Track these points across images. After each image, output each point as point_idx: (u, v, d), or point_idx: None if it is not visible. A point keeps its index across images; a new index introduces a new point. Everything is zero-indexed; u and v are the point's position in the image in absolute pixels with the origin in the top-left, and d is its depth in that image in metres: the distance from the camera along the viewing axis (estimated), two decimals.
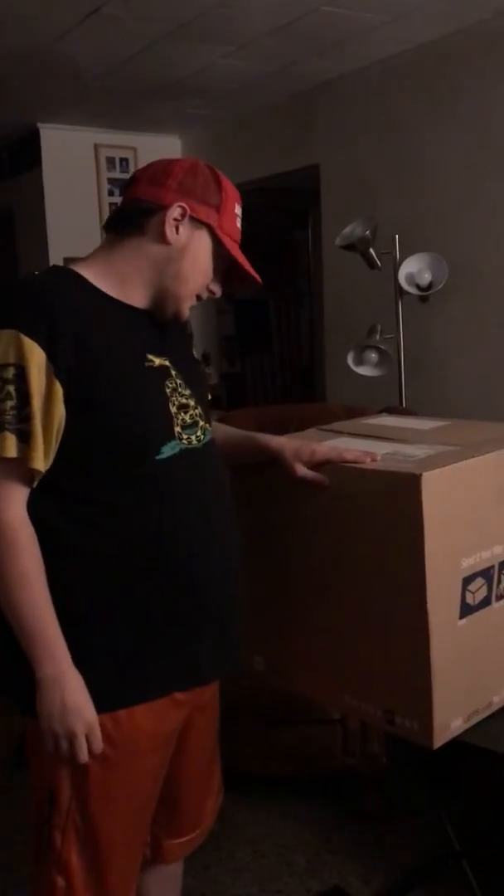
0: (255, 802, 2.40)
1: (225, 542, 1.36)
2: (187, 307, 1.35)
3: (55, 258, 4.41)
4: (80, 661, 1.23)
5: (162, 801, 1.43)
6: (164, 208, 1.28)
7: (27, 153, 4.53)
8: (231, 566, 1.37)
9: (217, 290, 1.38)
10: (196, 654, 1.34)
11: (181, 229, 1.28)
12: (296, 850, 2.24)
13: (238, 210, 1.35)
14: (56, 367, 1.17)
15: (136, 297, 1.31)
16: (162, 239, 1.28)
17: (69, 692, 1.21)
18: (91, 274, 1.30)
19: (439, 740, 1.30)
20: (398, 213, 3.44)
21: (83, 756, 1.23)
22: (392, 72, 3.48)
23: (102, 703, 1.25)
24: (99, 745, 1.24)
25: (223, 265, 1.35)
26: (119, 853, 1.32)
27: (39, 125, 4.37)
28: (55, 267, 1.36)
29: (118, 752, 1.27)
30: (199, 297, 1.36)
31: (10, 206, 4.88)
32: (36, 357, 1.17)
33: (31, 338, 1.17)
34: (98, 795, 1.28)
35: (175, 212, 1.28)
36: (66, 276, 1.30)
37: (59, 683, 1.20)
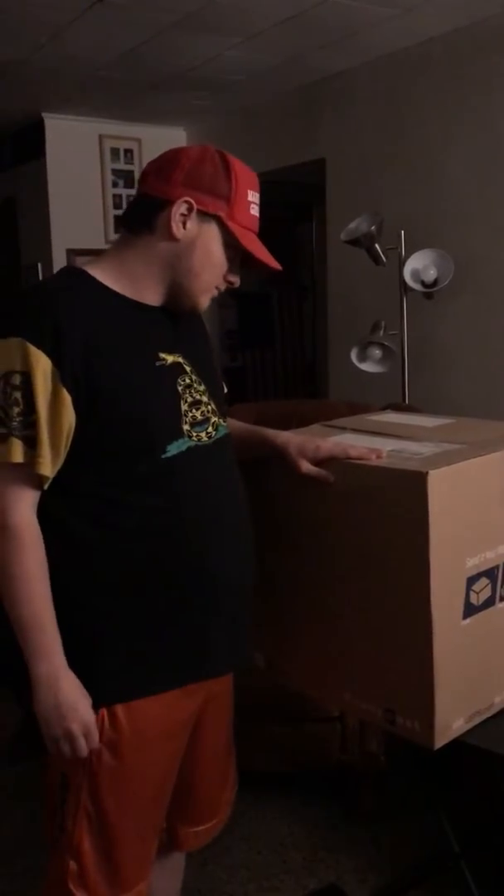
0: (252, 799, 2.40)
1: (237, 536, 1.36)
2: (204, 301, 1.34)
3: (58, 249, 4.39)
4: (91, 653, 1.25)
5: (178, 792, 1.44)
6: (171, 203, 1.26)
7: (31, 143, 4.51)
8: (243, 562, 1.37)
9: (235, 279, 1.35)
10: (207, 647, 1.34)
11: (189, 224, 1.27)
12: (292, 847, 2.23)
13: (253, 196, 1.31)
14: (63, 373, 1.18)
15: (150, 295, 1.31)
16: (170, 236, 1.27)
17: (63, 692, 1.22)
18: (103, 274, 1.30)
19: (440, 741, 1.29)
20: (404, 209, 3.42)
21: (83, 753, 1.24)
22: (400, 66, 3.45)
23: (114, 693, 1.27)
24: (95, 743, 1.25)
25: (238, 255, 1.33)
26: (131, 840, 1.34)
27: (44, 115, 4.35)
28: (68, 269, 1.36)
29: (129, 741, 1.29)
30: (217, 289, 1.35)
31: (14, 196, 4.86)
32: (42, 364, 1.18)
33: (37, 346, 1.18)
34: (109, 783, 1.30)
35: (181, 207, 1.26)
36: (77, 280, 1.30)
37: (53, 682, 1.22)
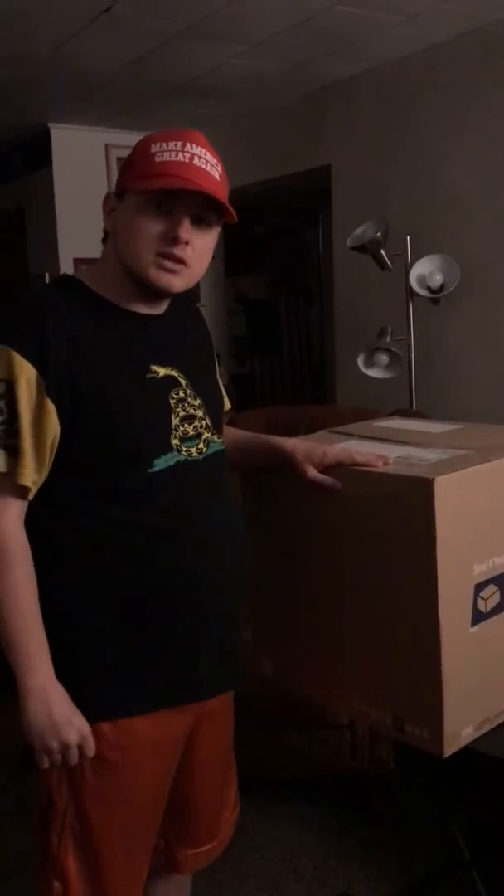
0: (262, 806, 2.39)
1: (226, 555, 1.34)
2: (155, 274, 1.24)
3: (65, 258, 4.41)
4: (76, 670, 1.23)
5: (175, 812, 1.42)
6: None
7: (38, 153, 4.53)
8: (233, 581, 1.35)
9: (182, 234, 1.22)
10: (195, 668, 1.32)
11: (114, 214, 1.28)
12: (303, 855, 2.22)
13: (159, 146, 1.23)
14: (47, 383, 1.18)
15: (131, 296, 1.29)
16: (110, 232, 1.30)
17: (55, 705, 1.20)
18: (95, 282, 1.29)
19: (450, 749, 1.28)
20: (410, 215, 3.43)
21: (74, 761, 1.22)
22: (405, 72, 3.46)
23: (100, 710, 1.25)
24: (92, 750, 1.23)
25: (176, 212, 1.23)
26: (119, 859, 1.31)
27: (50, 125, 4.37)
28: (62, 277, 1.36)
29: (117, 758, 1.26)
30: (167, 256, 1.23)
31: (21, 206, 4.88)
32: (25, 373, 1.17)
33: (22, 354, 1.17)
34: (95, 801, 1.27)
35: (105, 204, 1.30)
36: (68, 289, 1.29)
37: (43, 696, 1.19)
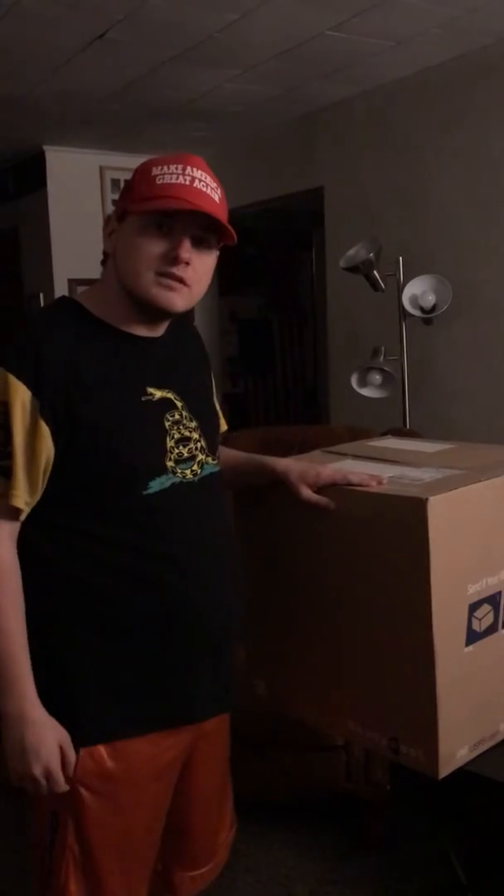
0: (257, 829, 2.36)
1: (222, 577, 1.34)
2: (157, 293, 1.25)
3: (59, 279, 4.43)
4: (71, 692, 1.23)
5: (172, 833, 1.41)
6: None
7: (32, 174, 4.56)
8: (227, 602, 1.35)
9: (182, 253, 1.24)
10: (190, 690, 1.32)
11: (114, 235, 1.30)
12: (298, 879, 2.20)
13: (160, 169, 1.25)
14: (42, 405, 1.18)
15: (130, 318, 1.30)
16: (110, 254, 1.31)
17: (28, 732, 1.19)
18: (94, 304, 1.31)
19: (445, 770, 1.27)
20: (402, 236, 3.45)
21: (44, 794, 1.23)
22: (396, 95, 3.50)
23: (96, 734, 1.25)
24: (59, 787, 1.22)
25: (175, 231, 1.24)
26: (119, 882, 1.31)
27: (45, 147, 4.40)
28: (61, 300, 1.37)
29: (114, 781, 1.26)
30: (168, 275, 1.25)
31: (16, 227, 4.91)
32: (20, 395, 1.18)
33: (18, 377, 1.18)
34: (95, 824, 1.27)
35: (106, 226, 1.31)
36: (68, 311, 1.31)
37: (20, 721, 1.19)
